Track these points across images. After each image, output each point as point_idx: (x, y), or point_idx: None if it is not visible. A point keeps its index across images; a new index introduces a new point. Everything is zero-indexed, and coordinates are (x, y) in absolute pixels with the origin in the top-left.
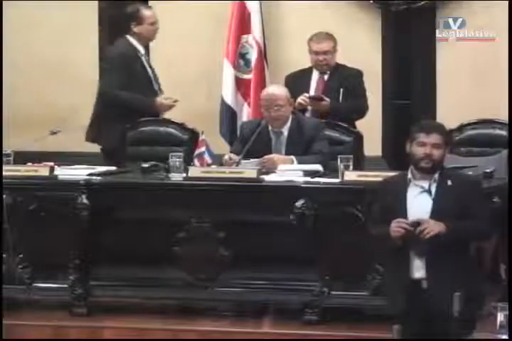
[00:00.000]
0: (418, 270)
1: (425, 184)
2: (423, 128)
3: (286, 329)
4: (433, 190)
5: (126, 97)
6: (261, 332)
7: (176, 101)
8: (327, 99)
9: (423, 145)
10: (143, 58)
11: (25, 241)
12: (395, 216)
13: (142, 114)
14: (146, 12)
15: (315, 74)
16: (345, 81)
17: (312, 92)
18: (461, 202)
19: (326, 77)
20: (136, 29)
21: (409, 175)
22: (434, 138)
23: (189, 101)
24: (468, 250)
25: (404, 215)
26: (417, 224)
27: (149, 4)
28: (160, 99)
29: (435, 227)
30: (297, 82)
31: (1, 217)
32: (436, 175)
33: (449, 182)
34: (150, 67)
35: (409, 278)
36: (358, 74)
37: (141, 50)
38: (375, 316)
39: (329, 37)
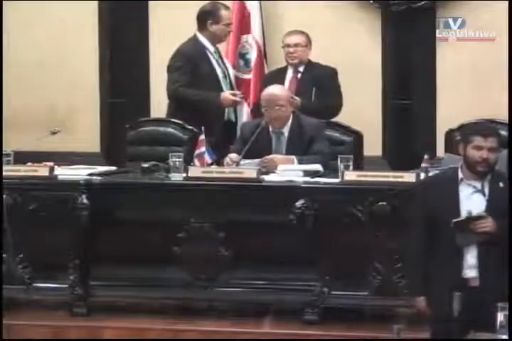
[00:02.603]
0: (470, 269)
1: (478, 184)
2: (480, 132)
3: (286, 329)
4: (486, 190)
5: (188, 94)
6: (261, 332)
7: (242, 97)
8: (296, 97)
9: (480, 150)
10: (211, 57)
11: (25, 241)
12: (446, 213)
13: (206, 110)
14: (224, 12)
15: (289, 72)
16: (318, 80)
17: None
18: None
19: (299, 75)
20: (211, 28)
21: (461, 175)
22: (491, 141)
23: None
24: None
25: (458, 214)
26: (472, 219)
27: (146, 4)
28: (224, 94)
29: (493, 224)
30: (273, 80)
31: (1, 217)
32: (489, 176)
33: (501, 184)
34: (221, 65)
35: (460, 277)
36: (331, 73)
37: (211, 48)
38: (375, 316)
39: (302, 33)
